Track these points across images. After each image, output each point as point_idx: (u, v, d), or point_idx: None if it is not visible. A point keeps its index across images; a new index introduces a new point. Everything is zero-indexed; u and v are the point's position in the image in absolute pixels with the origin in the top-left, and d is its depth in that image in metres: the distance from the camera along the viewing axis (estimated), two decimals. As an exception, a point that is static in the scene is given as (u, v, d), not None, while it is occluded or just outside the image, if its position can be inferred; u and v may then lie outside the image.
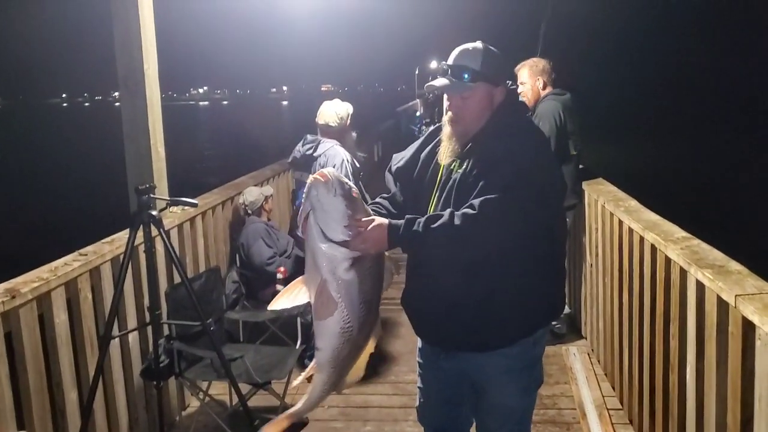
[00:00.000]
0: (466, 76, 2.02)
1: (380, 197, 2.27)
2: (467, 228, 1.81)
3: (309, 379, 4.06)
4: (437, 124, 2.27)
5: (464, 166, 2.02)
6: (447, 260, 2.01)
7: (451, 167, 2.07)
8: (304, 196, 1.82)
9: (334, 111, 4.07)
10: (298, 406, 1.98)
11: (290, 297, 1.85)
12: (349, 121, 4.10)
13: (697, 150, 20.72)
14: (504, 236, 1.88)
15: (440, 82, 2.05)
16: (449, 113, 2.07)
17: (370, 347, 1.98)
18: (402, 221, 1.86)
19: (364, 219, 1.81)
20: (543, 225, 1.98)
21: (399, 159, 2.27)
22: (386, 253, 1.93)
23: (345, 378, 1.97)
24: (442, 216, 1.85)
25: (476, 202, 1.86)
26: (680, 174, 16.18)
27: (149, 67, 3.49)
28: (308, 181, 1.80)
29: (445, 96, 2.14)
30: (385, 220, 1.86)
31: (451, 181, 2.04)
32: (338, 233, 1.77)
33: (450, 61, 2.06)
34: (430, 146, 2.19)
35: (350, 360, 1.92)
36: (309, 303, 3.96)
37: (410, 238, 1.83)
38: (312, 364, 1.94)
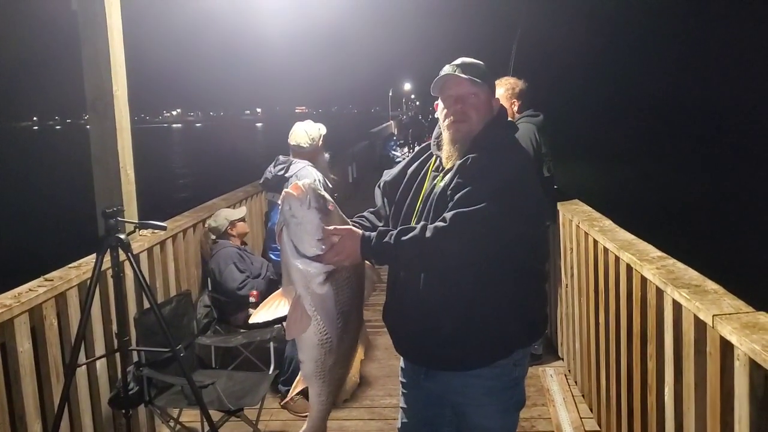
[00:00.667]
0: (476, 72, 2.05)
1: (367, 211, 2.28)
2: (437, 240, 1.80)
3: (284, 406, 3.98)
4: (425, 143, 2.28)
5: (445, 181, 2.01)
6: (425, 276, 2.00)
7: (434, 181, 2.06)
8: (279, 200, 1.79)
9: (305, 131, 4.04)
10: (305, 427, 1.99)
11: (270, 309, 1.81)
12: (321, 142, 4.07)
13: (669, 169, 21.14)
14: (475, 250, 1.86)
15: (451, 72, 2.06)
16: (451, 117, 2.07)
17: (360, 354, 1.97)
18: (374, 233, 1.85)
19: (337, 227, 1.78)
20: (519, 242, 1.96)
21: (388, 175, 2.29)
22: (367, 262, 1.90)
23: (341, 388, 1.96)
24: (414, 229, 1.84)
25: (448, 215, 1.85)
26: (652, 194, 16.47)
27: (118, 89, 3.43)
28: (282, 194, 1.77)
29: (440, 103, 2.13)
30: (359, 231, 1.83)
31: (431, 195, 2.03)
32: (311, 248, 1.74)
33: (458, 62, 2.10)
34: (418, 162, 2.22)
35: (339, 369, 1.90)
36: (282, 328, 3.90)
37: (382, 249, 1.81)
38: (299, 377, 1.93)
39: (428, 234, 1.81)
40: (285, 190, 1.77)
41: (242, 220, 4.59)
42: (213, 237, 4.48)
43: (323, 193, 1.79)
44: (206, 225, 4.51)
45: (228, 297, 4.32)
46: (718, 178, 18.39)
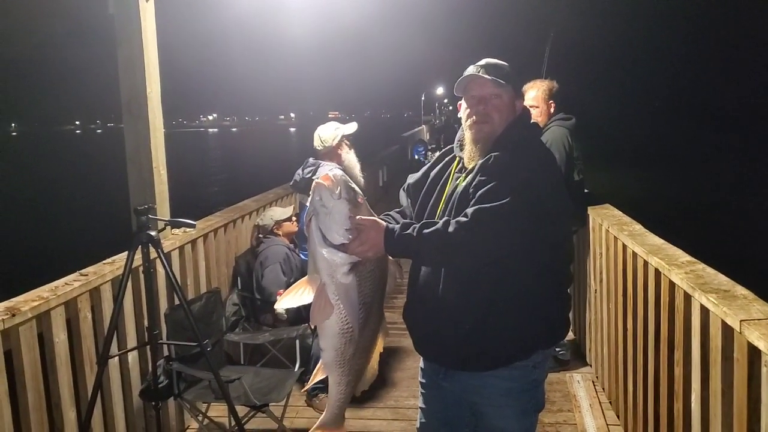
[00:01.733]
0: (500, 73, 2.07)
1: (393, 211, 2.31)
2: (458, 235, 1.81)
3: (309, 403, 4.02)
4: (447, 147, 2.30)
5: (467, 180, 2.02)
6: (444, 274, 2.02)
7: (457, 181, 2.08)
8: (308, 201, 1.83)
9: (318, 135, 4.07)
10: (323, 415, 2.02)
11: (295, 296, 1.85)
12: (336, 142, 4.04)
13: (707, 174, 20.69)
14: (496, 246, 1.87)
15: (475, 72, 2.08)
16: (473, 117, 2.08)
17: (379, 346, 1.99)
18: (398, 225, 1.87)
19: (363, 218, 1.81)
20: (541, 240, 1.96)
21: (412, 178, 2.33)
22: (391, 258, 1.93)
23: (361, 378, 1.97)
24: (436, 223, 1.86)
25: (470, 210, 1.86)
26: (687, 198, 16.14)
27: (152, 90, 3.53)
28: (313, 184, 1.81)
29: (464, 104, 2.14)
30: (384, 223, 1.86)
31: (454, 195, 2.05)
32: (338, 237, 1.78)
33: (482, 62, 2.12)
34: (441, 164, 2.24)
35: (359, 360, 1.92)
36: (308, 327, 3.94)
37: (404, 242, 1.83)
38: (319, 364, 1.96)
39: (450, 228, 1.83)
40: (316, 180, 1.81)
41: (289, 219, 4.64)
42: (259, 234, 4.57)
43: (353, 185, 1.83)
44: (256, 222, 4.61)
45: (261, 296, 4.38)
46: (755, 185, 17.93)
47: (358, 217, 1.81)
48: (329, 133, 4.06)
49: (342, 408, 1.99)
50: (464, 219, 1.85)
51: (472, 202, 1.91)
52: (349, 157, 4.12)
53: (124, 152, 3.60)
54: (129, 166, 3.56)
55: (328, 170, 3.96)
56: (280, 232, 4.58)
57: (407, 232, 1.85)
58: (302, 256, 4.28)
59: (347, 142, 4.08)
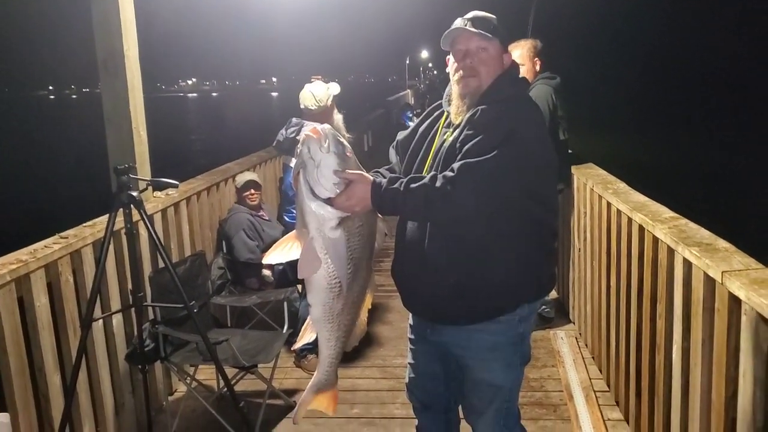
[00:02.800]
0: (487, 27, 2.04)
1: (383, 168, 2.29)
2: (445, 189, 1.80)
3: (298, 364, 4.05)
4: (436, 102, 2.28)
5: (455, 133, 2.01)
6: (431, 230, 2.02)
7: (445, 136, 2.07)
8: (292, 161, 1.81)
9: (311, 93, 3.99)
10: (315, 375, 2.02)
11: (283, 251, 1.83)
12: (330, 102, 4.01)
13: (685, 139, 20.82)
14: (482, 200, 1.86)
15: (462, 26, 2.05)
16: (461, 71, 2.06)
17: (367, 303, 1.99)
18: (385, 179, 1.86)
19: (350, 171, 1.79)
20: (529, 194, 1.96)
21: (401, 135, 2.31)
22: (379, 215, 1.92)
23: (350, 334, 1.97)
24: (423, 178, 1.85)
25: (456, 165, 1.85)
26: (670, 160, 16.26)
27: (129, 48, 3.43)
28: (302, 136, 1.78)
29: (451, 58, 2.12)
30: (371, 177, 1.85)
31: (441, 149, 2.04)
32: (326, 191, 1.76)
33: (469, 15, 2.08)
34: (429, 119, 2.23)
35: (347, 316, 1.92)
36: (296, 289, 3.94)
37: (391, 195, 1.82)
38: (307, 322, 1.95)
39: (437, 183, 1.81)
40: (305, 132, 1.78)
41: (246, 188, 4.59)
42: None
43: (342, 139, 1.80)
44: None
45: (240, 264, 4.38)
46: (737, 144, 18.10)
47: (345, 171, 1.79)
48: (322, 91, 4.00)
49: (334, 365, 1.99)
50: (450, 173, 1.84)
51: (458, 157, 1.90)
52: (338, 118, 4.07)
53: (102, 116, 3.52)
54: (107, 127, 3.49)
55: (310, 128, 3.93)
56: (248, 197, 4.56)
57: (394, 186, 1.83)
58: (286, 218, 4.25)
59: (334, 103, 4.04)
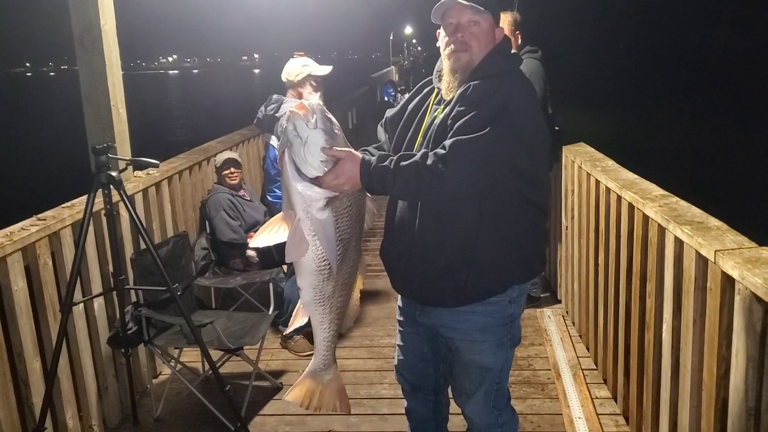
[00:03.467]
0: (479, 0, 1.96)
1: (371, 146, 2.23)
2: (436, 168, 1.75)
3: (285, 345, 4.01)
4: (426, 79, 2.21)
5: (446, 110, 1.96)
6: (421, 209, 1.97)
7: (435, 113, 2.01)
8: (272, 139, 1.74)
9: (286, 66, 3.93)
10: (312, 360, 1.98)
11: (270, 234, 1.77)
12: (300, 78, 3.88)
13: (672, 116, 20.88)
14: (475, 179, 1.81)
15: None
16: (452, 46, 1.99)
17: (359, 283, 1.94)
18: (374, 157, 1.80)
19: (338, 149, 1.73)
20: (521, 173, 1.92)
21: (391, 112, 2.25)
22: (368, 195, 1.87)
23: (343, 316, 1.93)
24: (414, 155, 1.80)
25: (448, 142, 1.80)
26: (651, 137, 16.32)
27: (106, 23, 3.31)
28: (286, 114, 1.71)
29: (442, 32, 2.05)
30: (360, 154, 1.79)
31: (432, 126, 1.98)
32: (313, 169, 1.69)
33: None
34: (419, 96, 2.17)
35: (339, 298, 1.88)
36: (281, 270, 3.88)
37: (381, 173, 1.77)
38: (298, 305, 1.90)
39: (428, 161, 1.76)
40: (290, 108, 1.70)
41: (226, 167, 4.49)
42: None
43: (330, 115, 1.73)
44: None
45: (224, 243, 4.32)
46: (723, 122, 18.21)
47: (333, 149, 1.72)
48: (295, 67, 3.91)
49: (331, 349, 1.95)
50: (442, 151, 1.78)
51: (449, 134, 1.84)
52: (311, 99, 3.95)
53: (80, 94, 3.41)
54: (85, 105, 3.38)
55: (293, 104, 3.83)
56: (228, 175, 4.47)
57: (384, 164, 1.78)
58: (269, 198, 4.18)
59: (313, 83, 3.89)
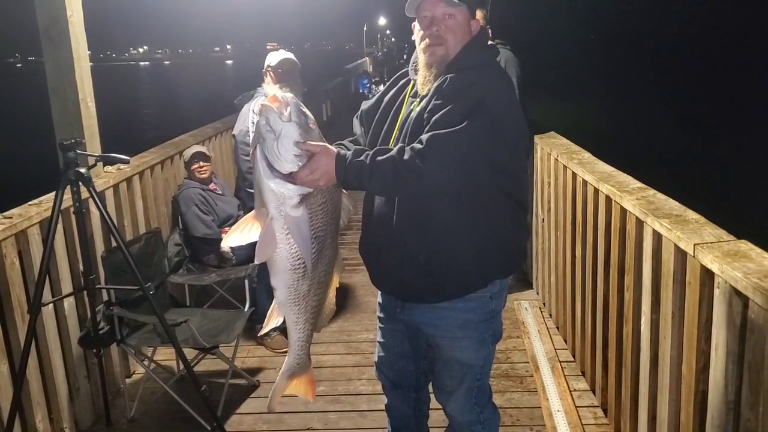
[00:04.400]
0: None
1: (346, 140, 2.18)
2: (413, 162, 1.71)
3: (261, 342, 3.94)
4: (402, 71, 2.17)
5: (422, 105, 1.92)
6: (400, 205, 1.94)
7: (411, 106, 1.98)
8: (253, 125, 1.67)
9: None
10: (286, 360, 1.93)
11: (242, 233, 1.71)
12: (266, 70, 3.80)
13: (638, 108, 21.09)
14: (453, 174, 1.78)
15: None
16: (426, 40, 1.95)
17: (335, 282, 1.90)
18: (350, 152, 1.76)
19: (312, 143, 1.67)
20: (499, 167, 1.90)
21: (366, 104, 2.21)
22: (344, 191, 1.82)
23: (319, 316, 1.88)
24: (390, 150, 1.76)
25: (425, 137, 1.76)
26: (622, 130, 16.46)
27: (73, 14, 3.20)
28: (258, 106, 1.64)
29: (417, 25, 2.01)
30: (335, 149, 1.74)
31: (408, 120, 1.95)
32: (287, 164, 1.63)
33: None
34: (395, 89, 2.13)
35: (314, 297, 1.83)
36: (257, 265, 3.80)
37: (357, 168, 1.72)
38: (272, 306, 1.85)
39: (405, 156, 1.72)
40: (262, 102, 1.63)
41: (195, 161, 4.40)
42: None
43: (305, 109, 1.67)
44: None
45: (197, 239, 4.24)
46: (688, 111, 18.45)
47: (307, 143, 1.67)
48: (266, 60, 3.85)
49: (305, 348, 1.91)
50: (419, 146, 1.75)
51: (426, 128, 1.81)
52: (269, 90, 3.73)
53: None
54: (52, 99, 3.27)
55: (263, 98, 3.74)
56: (197, 170, 4.38)
57: (360, 158, 1.73)
58: (245, 192, 4.10)
59: (273, 75, 3.76)
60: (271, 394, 1.99)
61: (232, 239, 1.72)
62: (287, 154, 1.63)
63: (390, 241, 1.99)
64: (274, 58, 3.82)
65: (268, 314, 1.86)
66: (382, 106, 2.11)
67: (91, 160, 2.60)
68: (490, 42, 3.10)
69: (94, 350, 2.95)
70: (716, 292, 1.84)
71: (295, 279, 1.76)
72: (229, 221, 4.40)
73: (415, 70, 2.03)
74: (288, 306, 1.81)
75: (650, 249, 2.34)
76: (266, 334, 3.86)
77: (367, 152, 1.76)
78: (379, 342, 2.31)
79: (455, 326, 2.05)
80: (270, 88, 3.70)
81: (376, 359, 2.35)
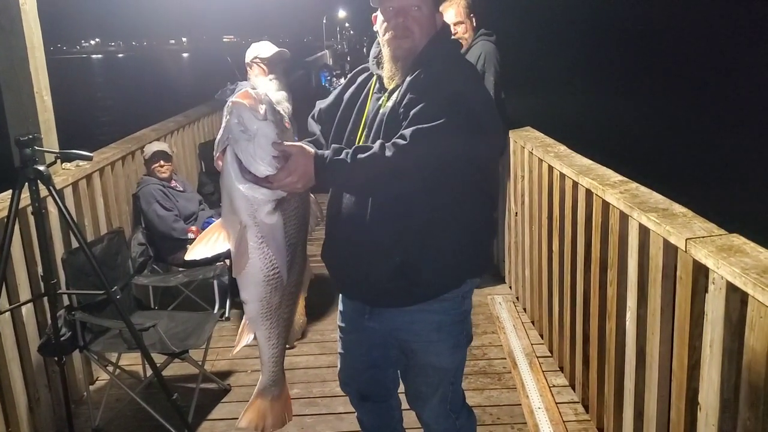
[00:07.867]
0: None
1: (304, 141, 2.04)
2: (397, 159, 1.63)
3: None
4: (360, 66, 2.09)
5: (393, 99, 1.84)
6: (372, 206, 1.84)
7: (379, 102, 1.89)
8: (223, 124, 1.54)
9: None
10: (261, 379, 1.83)
11: (208, 244, 1.59)
12: (249, 59, 3.74)
13: (617, 99, 21.24)
14: (437, 169, 1.71)
15: None
16: (392, 31, 1.86)
17: (303, 292, 1.80)
18: (329, 150, 1.65)
19: (288, 144, 1.56)
20: (475, 162, 1.84)
21: (323, 103, 2.11)
22: (312, 196, 1.72)
23: (290, 328, 1.78)
24: (371, 147, 1.66)
25: (407, 132, 1.67)
26: (599, 122, 16.56)
27: (26, 2, 3.01)
28: (228, 104, 1.52)
29: (380, 17, 1.92)
30: (312, 149, 1.63)
31: (379, 116, 1.86)
32: (264, 167, 1.50)
33: None
34: (355, 85, 2.03)
35: (286, 309, 1.72)
36: (225, 265, 3.67)
37: (337, 168, 1.62)
38: (243, 323, 1.74)
39: (388, 152, 1.63)
40: (232, 99, 1.50)
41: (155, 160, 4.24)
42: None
43: (279, 107, 1.56)
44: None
45: (162, 237, 4.08)
46: (672, 109, 18.66)
47: (283, 143, 1.55)
48: (250, 50, 3.75)
49: (279, 364, 1.80)
50: (402, 141, 1.66)
51: (405, 123, 1.73)
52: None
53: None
54: (5, 93, 3.07)
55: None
56: (157, 167, 4.24)
57: (340, 157, 1.63)
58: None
59: (262, 66, 3.70)
60: (243, 412, 1.87)
61: (197, 251, 1.59)
62: (264, 156, 1.50)
63: (362, 243, 1.89)
64: (264, 49, 3.73)
65: (239, 333, 1.75)
66: (343, 104, 2.01)
67: (50, 157, 2.44)
68: (461, 35, 3.02)
69: (56, 358, 2.78)
70: (711, 287, 1.80)
71: (268, 291, 1.64)
72: (191, 218, 4.26)
73: (378, 65, 1.94)
74: (260, 321, 1.69)
75: (636, 243, 2.30)
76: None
77: (346, 150, 1.66)
78: (340, 353, 2.20)
79: (430, 329, 1.97)
80: (259, 81, 3.60)
81: (339, 373, 2.24)
